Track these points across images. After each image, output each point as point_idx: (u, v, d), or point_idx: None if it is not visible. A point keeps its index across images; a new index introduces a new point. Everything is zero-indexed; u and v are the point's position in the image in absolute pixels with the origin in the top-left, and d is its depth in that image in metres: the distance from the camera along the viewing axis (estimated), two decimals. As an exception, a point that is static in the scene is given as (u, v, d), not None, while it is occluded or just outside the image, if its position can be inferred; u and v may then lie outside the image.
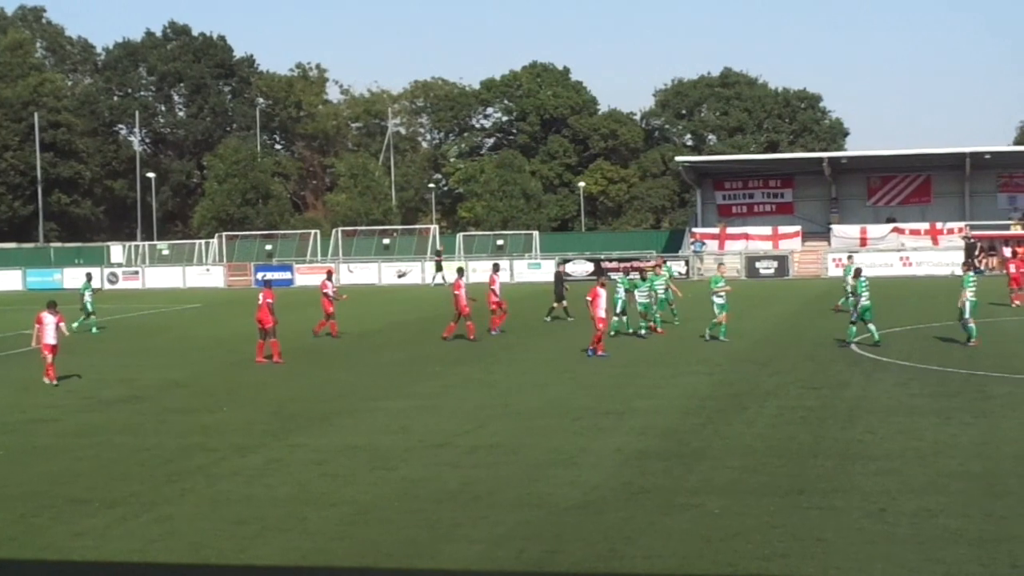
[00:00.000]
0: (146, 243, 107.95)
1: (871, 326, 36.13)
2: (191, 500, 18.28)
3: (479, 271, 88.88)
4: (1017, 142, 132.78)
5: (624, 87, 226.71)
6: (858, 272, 37.86)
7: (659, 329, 41.84)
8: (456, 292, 41.92)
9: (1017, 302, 50.26)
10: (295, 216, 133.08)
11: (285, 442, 22.88)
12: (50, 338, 31.53)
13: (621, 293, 42.00)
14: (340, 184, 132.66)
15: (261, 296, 36.56)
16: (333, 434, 23.80)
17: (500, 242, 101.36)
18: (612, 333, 39.73)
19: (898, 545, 14.88)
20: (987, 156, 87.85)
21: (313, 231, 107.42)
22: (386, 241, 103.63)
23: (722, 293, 38.74)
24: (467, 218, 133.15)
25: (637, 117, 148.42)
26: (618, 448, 21.38)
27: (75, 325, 47.37)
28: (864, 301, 36.08)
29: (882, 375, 30.20)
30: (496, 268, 46.11)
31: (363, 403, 27.80)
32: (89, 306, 49.61)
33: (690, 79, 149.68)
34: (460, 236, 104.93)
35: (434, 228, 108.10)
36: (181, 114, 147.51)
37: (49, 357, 31.48)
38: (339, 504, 17.67)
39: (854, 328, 36.41)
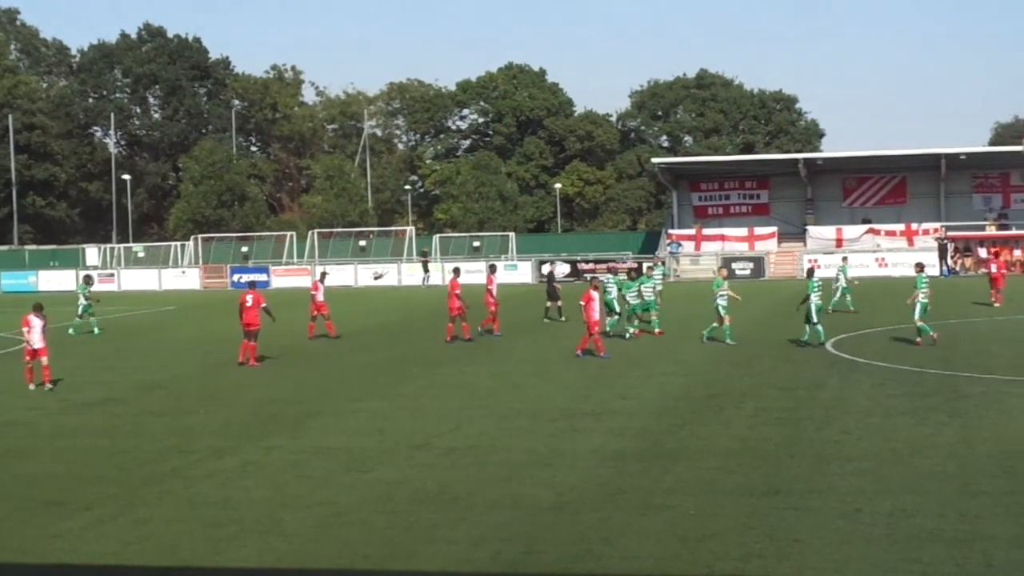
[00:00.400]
0: (121, 245, 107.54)
1: (819, 327, 36.44)
2: (168, 502, 18.25)
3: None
4: (992, 143, 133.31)
5: (600, 89, 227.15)
6: (810, 272, 38.17)
7: (657, 331, 41.63)
8: (455, 292, 41.66)
9: (998, 303, 50.65)
10: (271, 218, 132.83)
11: (262, 444, 22.85)
12: (37, 342, 30.84)
13: (613, 293, 41.80)
14: (316, 186, 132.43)
15: (251, 299, 36.18)
16: (310, 436, 23.77)
17: (476, 244, 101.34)
18: (608, 331, 39.73)
19: (874, 545, 14.93)
20: (962, 157, 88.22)
21: (289, 233, 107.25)
22: (362, 243, 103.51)
23: (724, 295, 38.69)
24: (443, 220, 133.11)
25: (613, 119, 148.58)
26: (595, 449, 21.41)
27: (71, 332, 47.37)
28: (816, 300, 36.45)
29: (858, 376, 30.29)
30: (493, 269, 46.07)
31: (340, 405, 27.79)
32: (80, 308, 49.31)
33: (666, 80, 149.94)
34: (436, 238, 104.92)
35: (410, 230, 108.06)
36: (156, 116, 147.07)
37: (44, 359, 30.78)
38: (315, 506, 17.66)
39: (821, 328, 36.57)
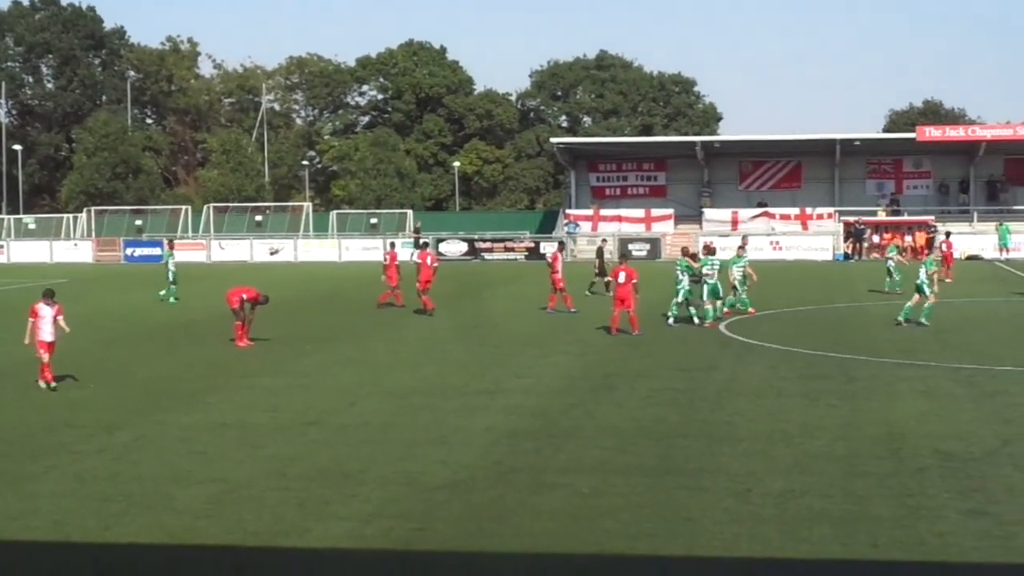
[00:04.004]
0: (11, 217, 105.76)
1: (709, 306, 37.29)
2: (55, 477, 18.01)
3: (351, 249, 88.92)
4: (886, 130, 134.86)
5: (500, 68, 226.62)
6: (709, 250, 38.70)
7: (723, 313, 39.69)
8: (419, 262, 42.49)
9: (948, 279, 53.84)
10: (166, 191, 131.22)
11: (153, 419, 22.63)
12: (47, 334, 26.67)
13: (685, 282, 38.36)
14: (212, 160, 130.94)
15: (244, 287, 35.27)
16: (202, 411, 23.56)
17: (374, 220, 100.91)
18: (670, 319, 38.03)
19: (763, 524, 15.10)
20: (856, 143, 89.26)
21: (184, 207, 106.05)
22: (258, 218, 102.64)
23: (740, 270, 40.08)
24: (341, 196, 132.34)
25: (513, 98, 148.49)
26: (489, 427, 21.45)
27: (162, 293, 46.89)
28: (710, 280, 37.00)
29: (751, 358, 30.61)
30: (561, 246, 45.94)
31: (233, 380, 27.59)
32: (171, 275, 49.25)
33: (566, 61, 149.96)
34: (333, 214, 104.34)
35: (307, 206, 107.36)
36: (50, 86, 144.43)
37: (45, 356, 26.50)
38: (206, 482, 17.52)
39: (711, 309, 37.15)
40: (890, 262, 49.82)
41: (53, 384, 26.21)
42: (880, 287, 49.74)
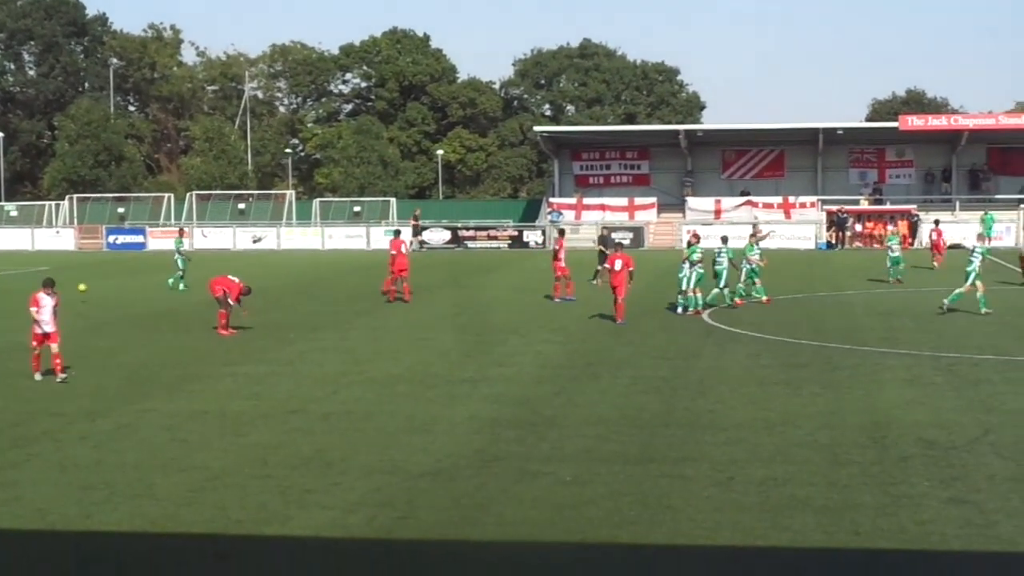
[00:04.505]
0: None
1: (693, 295, 37.30)
2: (37, 465, 17.98)
3: (334, 237, 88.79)
4: (869, 119, 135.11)
5: (484, 56, 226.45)
6: (696, 237, 38.74)
7: (738, 300, 40.04)
8: (393, 252, 42.48)
9: (936, 264, 57.50)
10: (149, 179, 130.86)
11: (136, 407, 22.59)
12: (48, 325, 26.00)
13: (724, 263, 39.28)
14: (195, 147, 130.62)
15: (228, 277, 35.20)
16: (184, 399, 23.54)
17: (357, 208, 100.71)
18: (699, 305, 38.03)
19: (745, 513, 15.13)
20: (839, 132, 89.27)
21: (167, 194, 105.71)
22: (241, 206, 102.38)
23: (755, 258, 40.08)
24: (324, 184, 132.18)
25: (496, 86, 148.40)
26: (472, 416, 21.45)
27: (170, 281, 46.89)
28: (700, 269, 37.29)
29: (734, 346, 30.64)
30: (562, 233, 45.62)
31: (216, 368, 27.54)
32: (181, 262, 49.55)
33: (549, 49, 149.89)
34: (317, 202, 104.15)
35: (290, 194, 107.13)
36: (32, 73, 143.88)
37: (54, 346, 25.88)
38: (189, 470, 17.51)
39: (697, 296, 37.13)
40: (892, 251, 49.90)
41: (62, 375, 25.65)
42: (881, 276, 49.79)
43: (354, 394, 23.94)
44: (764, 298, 40.28)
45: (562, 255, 42.45)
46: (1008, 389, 23.95)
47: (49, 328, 25.95)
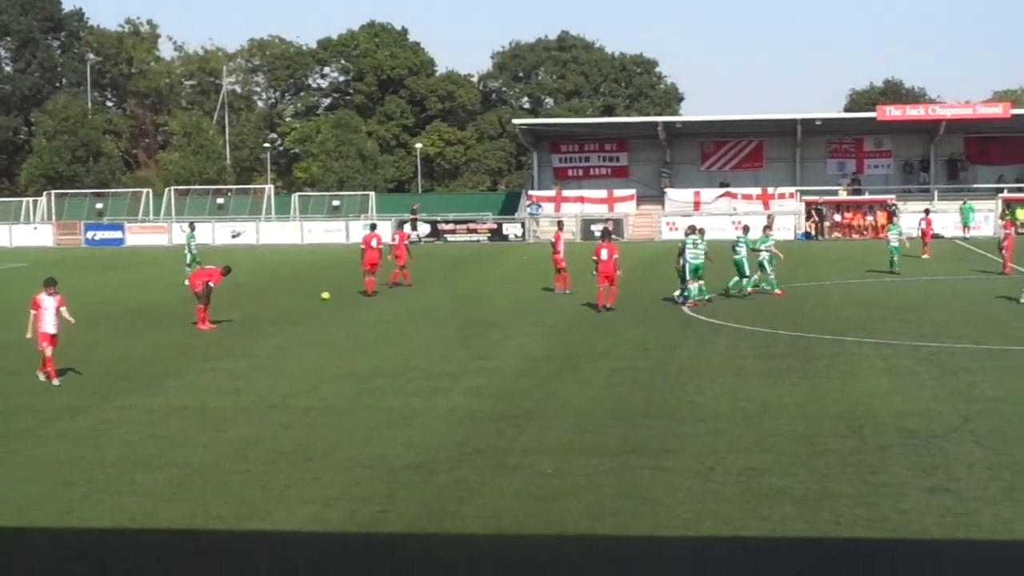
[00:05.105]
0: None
1: (692, 287, 37.37)
2: (17, 462, 17.94)
3: (314, 231, 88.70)
4: (847, 109, 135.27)
5: (462, 49, 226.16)
6: (693, 229, 38.72)
7: (751, 291, 40.61)
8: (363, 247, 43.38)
9: (926, 255, 56.89)
10: (127, 175, 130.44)
11: (116, 403, 22.55)
12: (49, 326, 25.18)
13: (743, 253, 40.07)
14: (173, 143, 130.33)
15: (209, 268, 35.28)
16: (164, 395, 23.50)
17: (336, 203, 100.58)
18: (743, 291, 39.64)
19: (725, 503, 15.17)
20: (818, 123, 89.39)
21: (145, 190, 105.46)
22: (220, 201, 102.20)
23: (767, 249, 40.39)
24: (303, 178, 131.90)
25: (475, 79, 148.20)
26: (452, 409, 21.46)
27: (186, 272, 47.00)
28: (693, 260, 37.23)
29: (713, 337, 30.70)
30: (561, 226, 45.52)
31: (196, 364, 27.50)
32: (191, 256, 50.15)
33: (527, 42, 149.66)
34: (295, 196, 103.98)
35: (269, 188, 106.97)
36: (8, 69, 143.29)
37: (48, 349, 25.12)
38: (169, 465, 17.48)
39: (694, 288, 37.17)
40: (892, 242, 49.89)
41: (56, 381, 24.83)
42: (881, 267, 49.87)
43: (334, 388, 23.93)
44: (777, 291, 40.52)
45: (560, 247, 42.45)
46: (987, 377, 24.05)
47: (51, 330, 25.13)
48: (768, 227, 43.02)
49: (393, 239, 48.95)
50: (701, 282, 37.58)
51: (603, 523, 14.51)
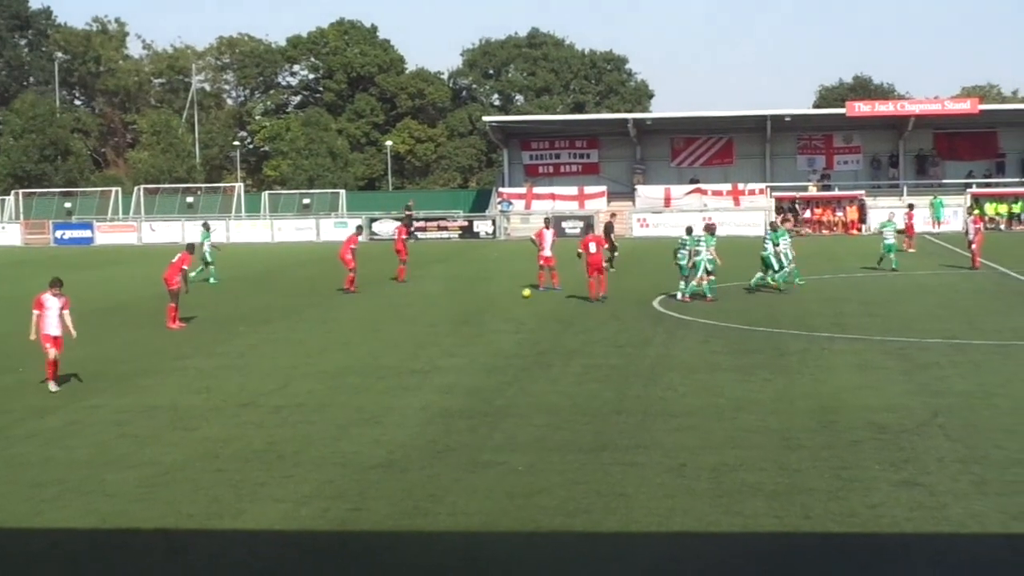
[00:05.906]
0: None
1: (693, 284, 37.90)
2: (-14, 463, 17.84)
3: (284, 229, 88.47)
4: (816, 105, 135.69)
5: (432, 46, 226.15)
6: (704, 228, 39.44)
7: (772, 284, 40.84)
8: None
9: (911, 249, 58.02)
10: (96, 173, 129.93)
11: (85, 403, 22.46)
12: (52, 328, 24.17)
13: (770, 249, 40.25)
14: (142, 141, 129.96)
15: (177, 257, 34.95)
16: (135, 394, 23.41)
17: (306, 201, 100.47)
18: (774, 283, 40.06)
19: (697, 499, 15.19)
20: (787, 119, 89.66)
21: (114, 189, 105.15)
22: (190, 199, 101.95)
23: (787, 244, 40.57)
24: (273, 176, 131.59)
25: (445, 76, 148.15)
26: (423, 406, 21.44)
27: (193, 275, 46.37)
28: (698, 258, 37.87)
29: (684, 333, 30.74)
30: (547, 222, 45.38)
31: (166, 363, 27.41)
32: (208, 256, 49.69)
33: (497, 39, 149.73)
34: (266, 194, 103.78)
35: (239, 186, 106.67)
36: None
37: (52, 352, 24.05)
38: (140, 465, 17.42)
39: (705, 284, 37.62)
40: (887, 239, 49.93)
41: (52, 386, 23.82)
42: (868, 263, 49.97)
43: (305, 386, 23.88)
44: (797, 281, 41.43)
45: (546, 245, 42.11)
46: (956, 372, 24.15)
47: (54, 332, 24.20)
48: (784, 221, 43.50)
49: (394, 234, 49.56)
50: (712, 277, 37.88)
51: (576, 519, 14.52)
